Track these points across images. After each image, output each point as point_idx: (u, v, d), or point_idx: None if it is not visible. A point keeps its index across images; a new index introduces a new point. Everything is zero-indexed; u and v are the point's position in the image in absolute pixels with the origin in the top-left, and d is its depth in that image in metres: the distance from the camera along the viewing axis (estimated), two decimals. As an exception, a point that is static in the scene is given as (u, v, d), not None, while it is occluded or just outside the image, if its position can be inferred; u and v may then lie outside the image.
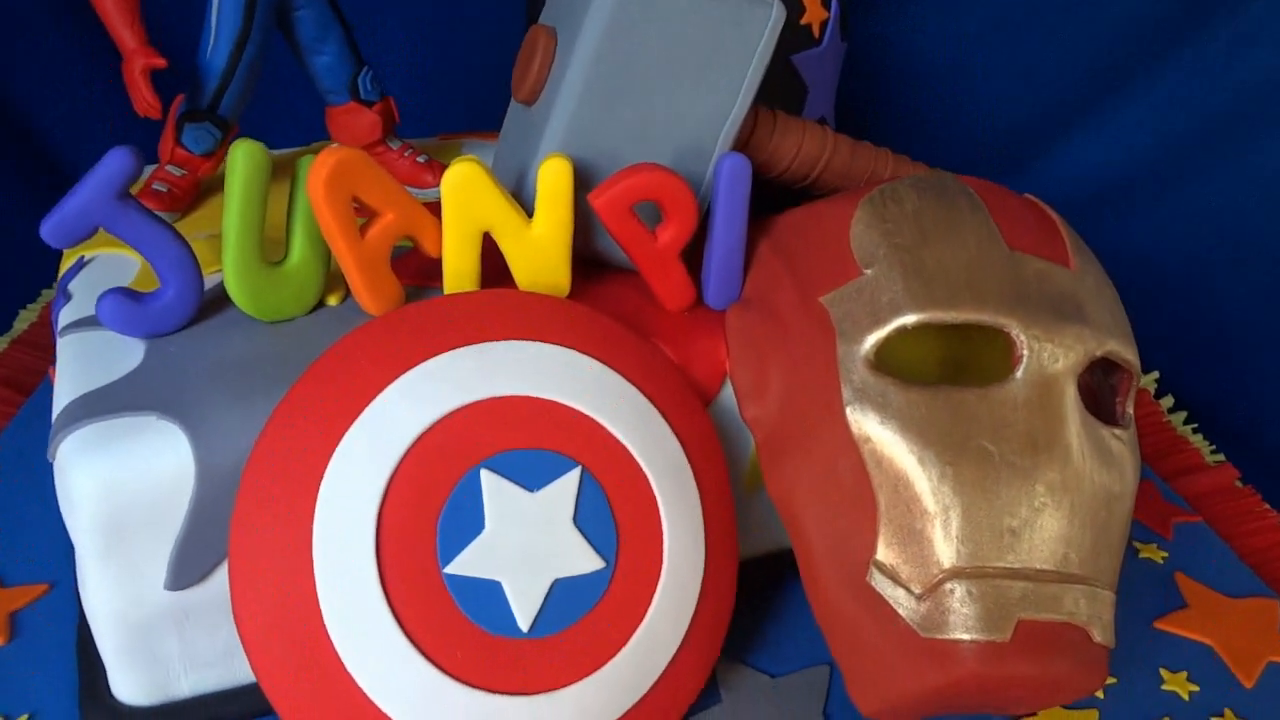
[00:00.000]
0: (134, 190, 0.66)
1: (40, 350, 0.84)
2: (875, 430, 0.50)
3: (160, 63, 0.60)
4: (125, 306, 0.51)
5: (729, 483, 0.55)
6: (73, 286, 0.58)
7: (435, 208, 0.53)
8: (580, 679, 0.48)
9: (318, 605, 0.45)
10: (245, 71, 0.64)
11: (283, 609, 0.45)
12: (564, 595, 0.48)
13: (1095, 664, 0.50)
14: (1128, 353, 0.55)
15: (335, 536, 0.45)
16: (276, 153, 0.53)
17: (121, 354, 0.51)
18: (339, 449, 0.46)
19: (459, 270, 0.54)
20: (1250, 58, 0.92)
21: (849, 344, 0.52)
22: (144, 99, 0.60)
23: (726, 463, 0.55)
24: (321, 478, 0.46)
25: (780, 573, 0.62)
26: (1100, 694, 0.57)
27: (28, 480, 0.67)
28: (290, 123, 0.74)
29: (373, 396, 0.47)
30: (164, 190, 0.65)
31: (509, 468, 0.48)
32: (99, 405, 0.47)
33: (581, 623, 0.48)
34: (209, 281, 0.55)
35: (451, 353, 0.49)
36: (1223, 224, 0.96)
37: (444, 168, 0.74)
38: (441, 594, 0.46)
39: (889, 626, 0.50)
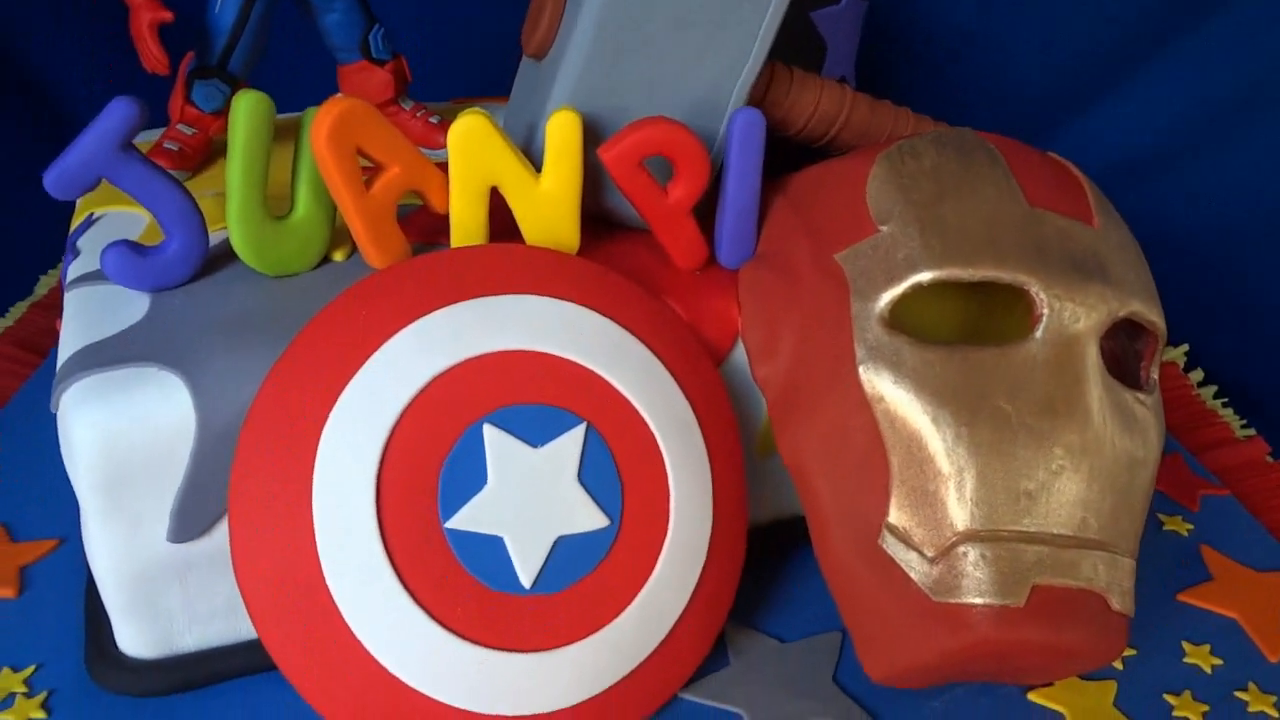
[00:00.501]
0: (145, 150, 0.66)
1: (56, 312, 0.84)
2: (889, 390, 0.49)
3: (167, 16, 0.59)
4: (129, 259, 0.51)
5: (739, 444, 0.54)
6: (81, 243, 0.58)
7: (445, 166, 0.52)
8: (583, 637, 0.47)
9: (318, 559, 0.44)
10: (255, 27, 0.63)
11: (283, 562, 0.45)
12: (567, 552, 0.47)
13: (1113, 632, 0.48)
14: (1152, 314, 0.53)
15: (335, 490, 0.44)
16: (287, 116, 0.52)
17: (126, 307, 0.51)
18: (340, 402, 0.45)
19: (466, 226, 0.53)
20: (1285, 26, 0.89)
21: (864, 301, 0.51)
22: (151, 54, 0.60)
23: (738, 424, 0.54)
24: (322, 431, 0.45)
25: (794, 539, 0.61)
26: (1119, 665, 0.56)
27: (41, 437, 0.66)
28: (302, 83, 0.73)
29: (375, 349, 0.46)
30: (175, 149, 0.65)
31: (513, 423, 0.47)
32: (101, 357, 0.47)
33: (585, 581, 0.48)
34: (217, 238, 0.54)
35: (455, 306, 0.48)
36: (1257, 195, 0.93)
37: (429, 115, 0.74)
38: (442, 549, 0.45)
39: (900, 590, 0.48)
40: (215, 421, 0.46)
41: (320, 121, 0.49)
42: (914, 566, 0.48)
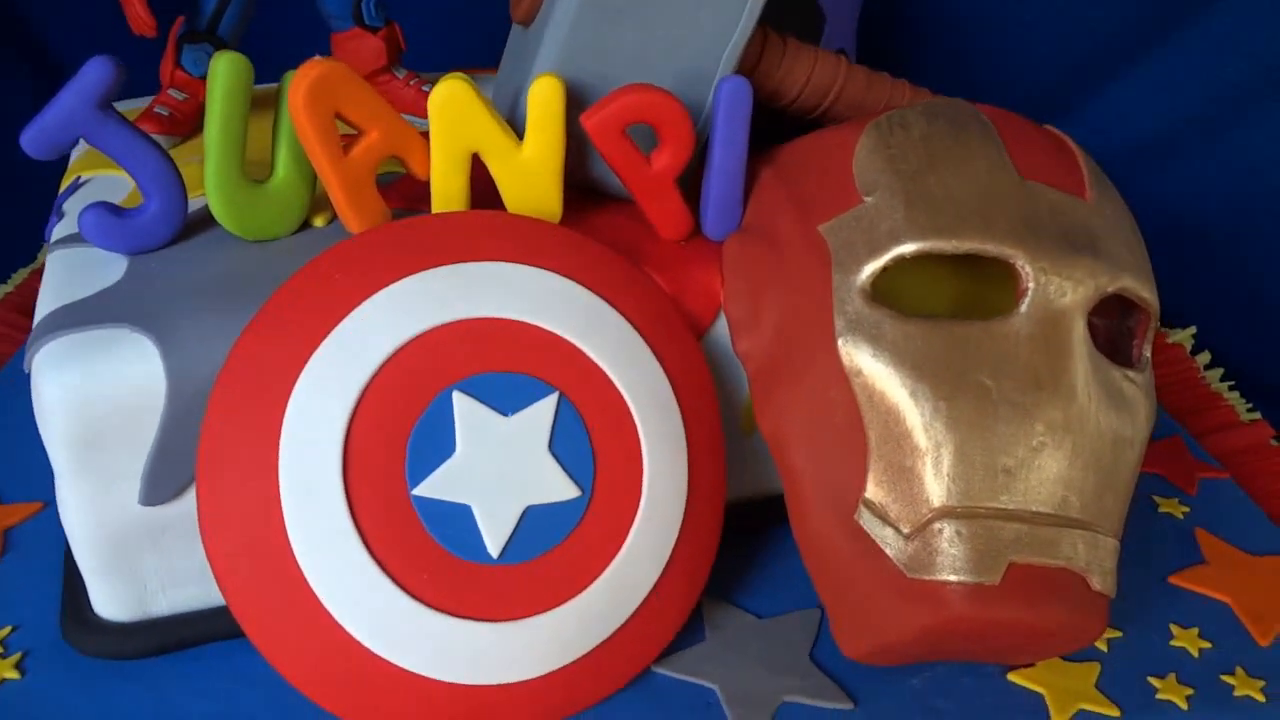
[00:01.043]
0: (136, 115, 0.66)
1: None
2: (867, 363, 0.48)
3: (153, -22, 0.59)
4: (106, 221, 0.50)
5: (719, 417, 0.53)
6: (66, 205, 0.58)
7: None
8: (551, 608, 0.47)
9: (283, 524, 0.44)
10: (244, -9, 0.63)
11: (248, 527, 0.44)
12: (537, 523, 0.47)
13: (1093, 612, 0.48)
14: (1144, 291, 0.52)
15: (301, 455, 0.44)
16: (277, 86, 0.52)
17: (104, 269, 0.51)
18: (308, 366, 0.45)
19: (447, 192, 0.53)
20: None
21: (845, 274, 0.50)
22: (138, 17, 0.60)
23: (718, 397, 0.54)
24: (290, 395, 0.45)
25: (777, 515, 0.60)
26: (1104, 647, 0.55)
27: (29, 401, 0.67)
28: (295, 50, 0.72)
29: (346, 313, 0.46)
30: (165, 114, 0.65)
31: (483, 390, 0.47)
32: (74, 318, 0.47)
33: (555, 551, 0.47)
34: (201, 203, 0.54)
35: (429, 271, 0.48)
36: (1270, 178, 0.91)
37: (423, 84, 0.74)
38: (409, 516, 0.45)
39: (875, 567, 0.48)
40: (186, 384, 0.46)
41: (297, 84, 0.49)
42: (889, 543, 0.47)
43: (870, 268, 0.49)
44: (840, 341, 0.49)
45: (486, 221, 0.51)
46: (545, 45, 0.54)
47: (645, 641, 0.50)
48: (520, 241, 0.50)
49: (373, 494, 0.45)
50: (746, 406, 0.57)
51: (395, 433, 0.45)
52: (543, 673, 0.47)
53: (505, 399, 0.47)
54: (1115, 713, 0.51)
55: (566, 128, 0.52)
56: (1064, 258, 0.49)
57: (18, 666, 0.50)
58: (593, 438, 0.48)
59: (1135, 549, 0.61)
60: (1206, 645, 0.55)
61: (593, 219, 0.56)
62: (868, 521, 0.48)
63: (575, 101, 0.53)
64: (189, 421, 0.46)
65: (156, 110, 0.65)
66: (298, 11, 0.69)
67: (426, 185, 0.53)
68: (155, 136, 0.63)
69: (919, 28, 1.02)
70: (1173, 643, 0.55)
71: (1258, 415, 0.78)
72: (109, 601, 0.50)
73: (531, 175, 0.53)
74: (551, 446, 0.47)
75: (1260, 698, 0.52)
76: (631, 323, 0.51)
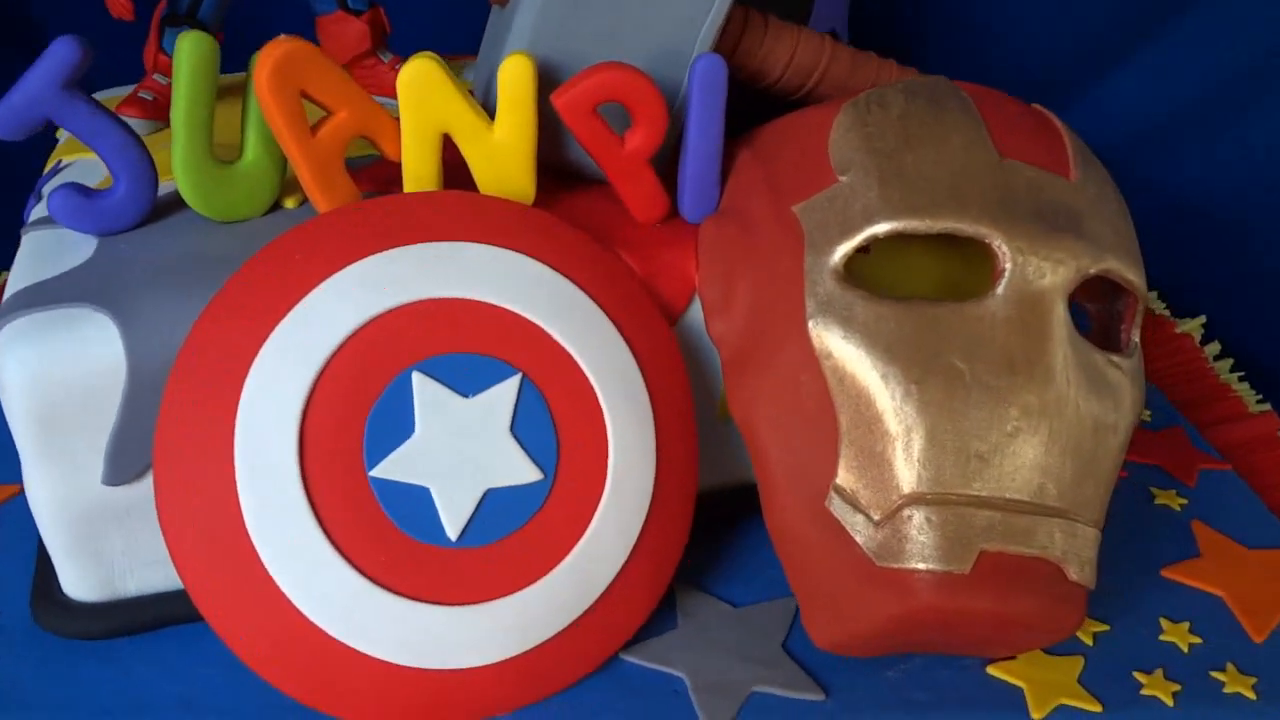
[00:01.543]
0: (121, 99, 0.66)
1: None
2: (838, 345, 0.47)
3: (130, -38, 0.59)
4: (75, 201, 0.50)
5: (691, 402, 0.52)
6: (45, 189, 0.58)
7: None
8: (512, 592, 0.46)
9: (238, 506, 0.44)
10: (225, -27, 0.62)
11: (203, 509, 0.44)
12: (497, 506, 0.46)
13: (1070, 604, 0.46)
14: (1130, 273, 0.50)
15: (257, 436, 0.44)
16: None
17: (73, 250, 0.50)
18: (265, 346, 0.45)
19: (418, 173, 0.52)
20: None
21: (818, 255, 0.49)
22: (116, 1, 0.60)
23: (693, 383, 0.53)
24: (246, 375, 0.44)
25: (755, 503, 0.59)
26: (1090, 641, 0.53)
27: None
28: (279, 34, 0.73)
29: (306, 292, 0.46)
30: (149, 99, 0.65)
31: (444, 371, 0.46)
32: (38, 297, 0.47)
33: (516, 535, 0.47)
34: (173, 185, 0.54)
35: (390, 251, 0.47)
36: (1277, 165, 0.88)
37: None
38: (366, 497, 0.45)
39: (845, 554, 0.47)
40: (146, 364, 0.46)
41: (261, 64, 0.48)
42: (859, 530, 0.46)
43: (843, 248, 0.48)
44: (811, 324, 0.48)
45: (451, 202, 0.50)
46: (517, 24, 0.53)
47: (611, 628, 0.49)
48: (485, 222, 0.50)
49: (329, 475, 0.44)
50: (722, 393, 0.56)
51: (353, 414, 0.45)
52: (503, 658, 0.46)
53: (466, 380, 0.46)
54: (1097, 708, 0.49)
55: (540, 108, 0.52)
56: (1043, 238, 0.47)
57: (-13, 646, 0.50)
58: (556, 420, 0.48)
59: (1128, 541, 0.60)
60: (1197, 640, 0.53)
61: (567, 201, 0.55)
62: (838, 508, 0.47)
63: (549, 81, 0.52)
64: (150, 401, 0.46)
65: (140, 95, 0.65)
66: (283, -5, 0.69)
67: (400, 168, 0.52)
68: (139, 121, 0.64)
69: (918, 15, 1.01)
70: (1162, 637, 0.54)
71: (1267, 406, 0.76)
72: (77, 582, 0.50)
73: (503, 156, 0.52)
74: (513, 428, 0.47)
75: (1251, 695, 0.50)
76: (599, 305, 0.50)
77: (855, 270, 0.56)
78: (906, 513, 0.45)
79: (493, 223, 0.50)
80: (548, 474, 0.47)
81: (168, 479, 0.45)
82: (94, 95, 0.71)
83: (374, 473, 0.45)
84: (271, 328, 0.45)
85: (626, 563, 0.48)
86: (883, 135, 0.50)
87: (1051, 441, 0.46)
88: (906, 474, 0.45)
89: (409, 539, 0.45)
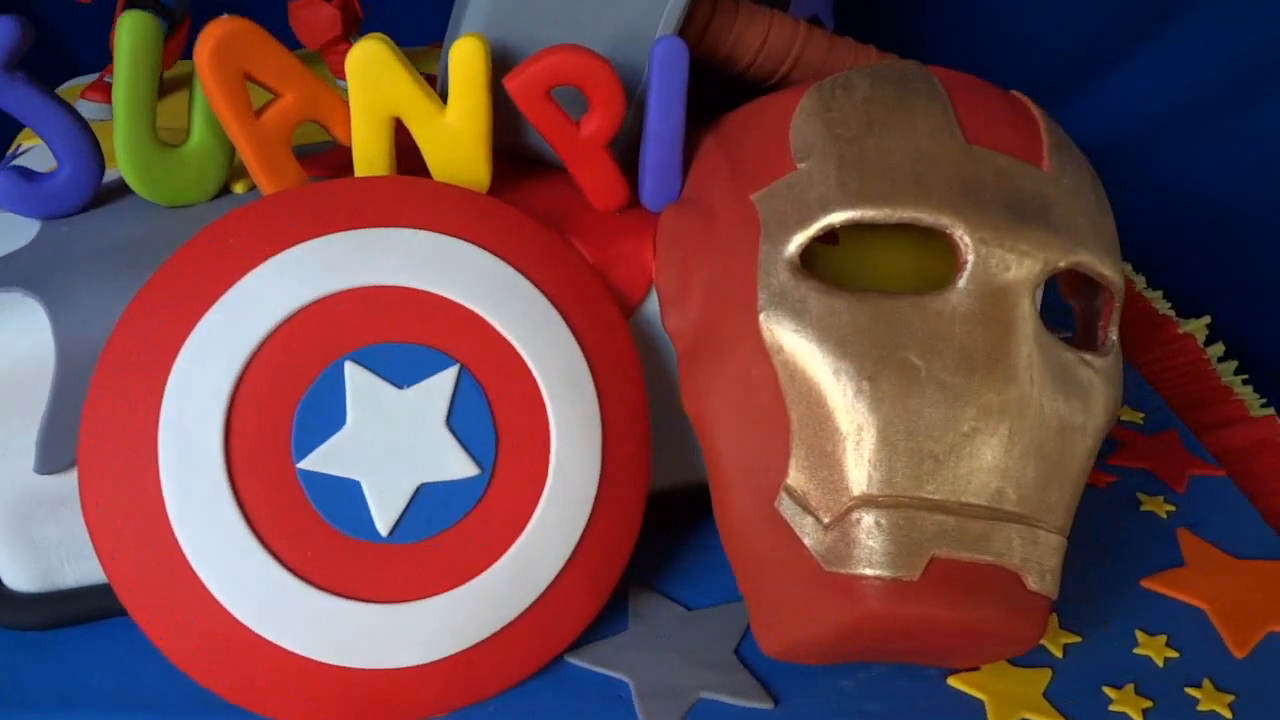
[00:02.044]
0: (86, 84, 0.66)
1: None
2: (789, 339, 0.45)
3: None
4: (18, 185, 0.50)
5: (644, 397, 0.50)
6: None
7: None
8: (445, 590, 0.45)
9: (161, 496, 0.42)
10: (187, -43, 0.61)
11: (127, 499, 0.43)
12: (431, 501, 0.45)
13: (1028, 614, 0.44)
14: (1105, 268, 0.48)
15: (181, 424, 0.43)
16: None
17: (15, 233, 0.50)
18: (194, 332, 0.44)
19: (369, 158, 0.51)
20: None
21: (773, 245, 0.47)
22: (74, -18, 0.59)
23: (650, 377, 0.51)
24: (174, 361, 0.43)
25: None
26: (1059, 653, 0.51)
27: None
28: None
29: (237, 279, 0.44)
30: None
31: (378, 361, 0.45)
32: (-28, 281, 0.46)
33: (450, 532, 0.45)
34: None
35: (328, 237, 0.46)
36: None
37: None
38: (294, 490, 0.43)
39: (793, 558, 0.45)
40: (75, 350, 0.45)
41: (202, 44, 0.47)
42: (808, 532, 0.44)
43: (799, 238, 0.46)
44: (762, 316, 0.46)
45: (393, 186, 0.49)
46: (473, 5, 0.51)
47: (552, 629, 0.47)
48: (427, 208, 0.48)
49: (256, 466, 0.43)
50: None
51: (282, 403, 0.44)
52: (436, 658, 0.45)
53: (401, 370, 0.45)
54: (1060, 724, 0.47)
55: (498, 93, 0.50)
56: (1009, 229, 0.45)
57: (-72, 637, 0.50)
58: (495, 414, 0.46)
59: (1108, 548, 0.57)
60: (1173, 654, 0.51)
61: (524, 188, 0.54)
62: (788, 509, 0.45)
63: (508, 65, 0.51)
64: (81, 389, 0.45)
65: (106, 79, 0.64)
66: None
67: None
68: (103, 106, 0.63)
69: (916, 8, 0.98)
70: (1136, 650, 0.51)
71: (1271, 411, 0.72)
72: (16, 572, 0.50)
73: (456, 141, 0.51)
74: (450, 421, 0.45)
75: (1226, 713, 0.48)
76: (546, 295, 0.48)
77: (822, 263, 0.54)
78: (855, 515, 0.43)
79: (436, 209, 0.48)
80: (485, 469, 0.45)
81: (91, 468, 0.44)
82: (70, 83, 0.71)
83: (302, 465, 0.43)
84: (201, 314, 0.44)
85: (568, 563, 0.47)
86: (845, 121, 0.48)
87: (1011, 443, 0.44)
88: (857, 475, 0.43)
89: (338, 534, 0.44)
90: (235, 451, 0.43)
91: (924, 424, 0.43)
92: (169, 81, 0.65)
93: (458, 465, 0.45)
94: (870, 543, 0.43)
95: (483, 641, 0.46)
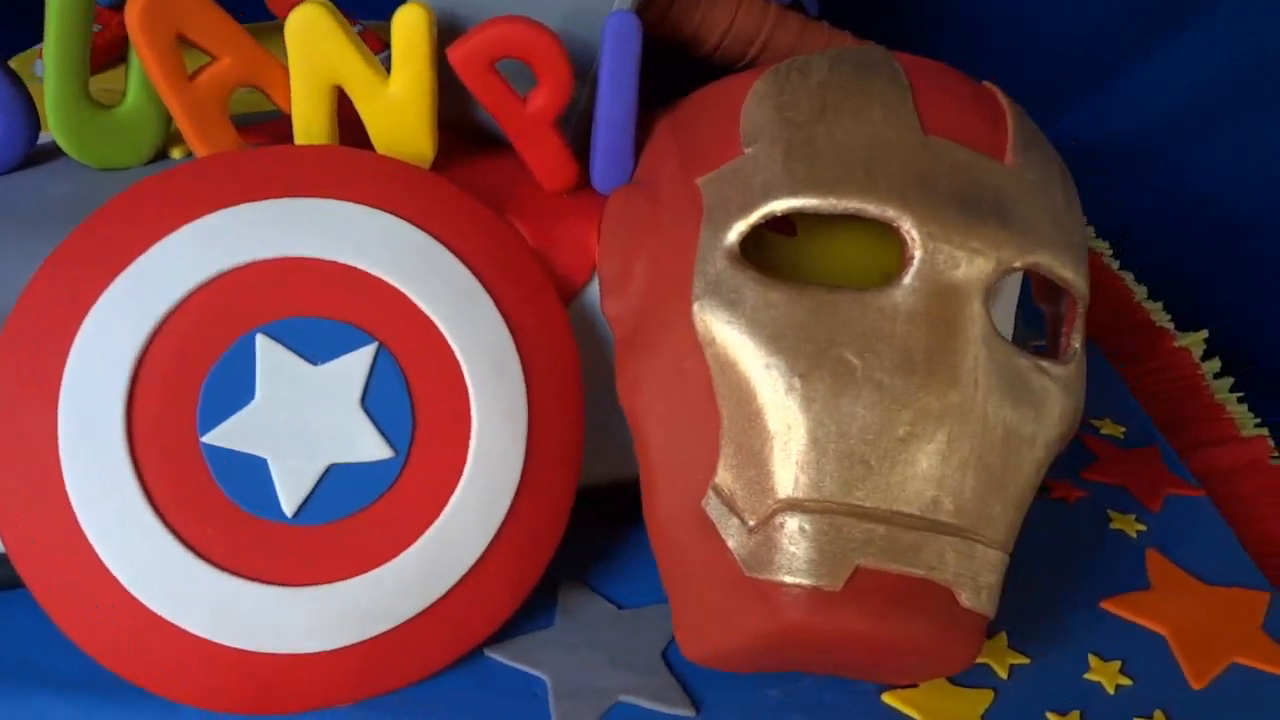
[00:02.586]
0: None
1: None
2: (722, 331, 0.43)
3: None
4: (-53, 141, 0.49)
5: (579, 385, 0.48)
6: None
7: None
8: (352, 576, 0.43)
9: (59, 467, 0.41)
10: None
11: (25, 469, 0.41)
12: (341, 482, 0.43)
13: (959, 632, 0.41)
14: (1066, 270, 0.45)
15: (82, 394, 0.41)
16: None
17: (-56, 192, 0.49)
18: (101, 299, 0.42)
19: (309, 127, 0.49)
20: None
21: (714, 231, 0.45)
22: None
23: (581, 365, 0.49)
24: (79, 326, 0.42)
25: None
26: (1005, 674, 0.48)
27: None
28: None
29: (151, 244, 0.43)
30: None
31: (292, 336, 0.43)
32: (-111, 239, 0.45)
33: (360, 515, 0.43)
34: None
35: (246, 205, 0.44)
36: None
37: (380, 39, 0.70)
38: (197, 465, 0.42)
39: (716, 561, 0.42)
40: (-12, 312, 0.44)
41: (133, 3, 0.46)
42: (733, 535, 0.42)
43: (740, 226, 0.44)
44: (695, 306, 0.44)
45: (321, 156, 0.47)
46: (422, -27, 0.50)
47: (468, 621, 0.45)
48: (356, 179, 0.46)
49: (158, 438, 0.42)
50: (634, 378, 0.52)
51: (189, 375, 0.42)
52: (342, 644, 0.43)
53: (316, 346, 0.43)
54: (995, 749, 0.45)
55: (445, 64, 0.48)
56: (960, 224, 0.43)
57: None
58: (414, 395, 0.44)
59: (1070, 567, 0.55)
60: (1126, 682, 0.48)
61: (470, 164, 0.52)
62: (714, 509, 0.43)
63: (455, 35, 0.49)
64: (-8, 351, 0.44)
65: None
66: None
67: (299, 120, 0.49)
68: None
69: (937, 5, 0.95)
70: (1087, 675, 0.48)
71: (1264, 431, 0.69)
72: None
73: (399, 113, 0.49)
74: (364, 401, 0.43)
75: (1175, 747, 0.45)
76: (476, 274, 0.46)
77: (778, 255, 0.52)
78: (780, 519, 0.41)
79: (365, 181, 0.46)
80: (400, 452, 0.44)
81: (-10, 435, 0.42)
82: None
83: (206, 439, 0.42)
84: (109, 281, 0.42)
85: (486, 554, 0.45)
86: (797, 105, 0.45)
87: (950, 451, 0.41)
88: (783, 477, 0.41)
89: (241, 512, 0.42)
90: (137, 423, 0.41)
91: (857, 426, 0.41)
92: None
93: (370, 447, 0.43)
94: (793, 549, 0.40)
95: (392, 630, 0.44)
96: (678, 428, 0.45)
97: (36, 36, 0.50)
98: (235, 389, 0.42)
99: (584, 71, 0.51)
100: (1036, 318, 0.53)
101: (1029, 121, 0.49)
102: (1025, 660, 0.49)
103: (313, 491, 0.43)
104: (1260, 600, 0.53)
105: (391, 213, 0.46)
